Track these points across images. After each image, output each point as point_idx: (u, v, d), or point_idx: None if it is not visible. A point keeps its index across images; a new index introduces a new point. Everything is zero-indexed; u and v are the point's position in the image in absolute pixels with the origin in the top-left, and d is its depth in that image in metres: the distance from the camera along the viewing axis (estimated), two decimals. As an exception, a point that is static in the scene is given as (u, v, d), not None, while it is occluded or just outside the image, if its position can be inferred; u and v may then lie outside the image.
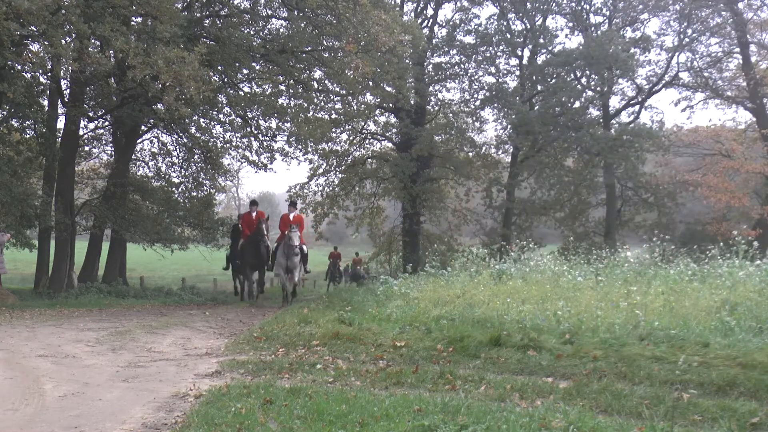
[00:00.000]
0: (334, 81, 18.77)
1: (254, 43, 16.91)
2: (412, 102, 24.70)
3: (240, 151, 20.51)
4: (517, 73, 26.82)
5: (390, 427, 3.95)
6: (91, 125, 19.52)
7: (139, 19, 15.11)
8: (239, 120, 19.21)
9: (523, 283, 9.96)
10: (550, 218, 27.13)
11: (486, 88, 26.58)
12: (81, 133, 18.12)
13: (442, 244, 25.27)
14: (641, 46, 25.03)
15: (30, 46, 13.28)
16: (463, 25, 26.35)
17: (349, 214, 28.62)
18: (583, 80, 25.92)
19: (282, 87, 18.75)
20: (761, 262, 9.14)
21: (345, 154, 27.24)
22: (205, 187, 20.95)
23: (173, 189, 20.55)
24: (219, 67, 16.65)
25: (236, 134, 20.08)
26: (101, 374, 5.76)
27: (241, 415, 4.24)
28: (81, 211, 18.80)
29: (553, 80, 24.90)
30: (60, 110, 16.85)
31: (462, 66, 26.60)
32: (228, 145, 20.63)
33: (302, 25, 16.83)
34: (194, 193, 20.67)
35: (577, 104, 25.14)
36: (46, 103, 16.54)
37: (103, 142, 20.66)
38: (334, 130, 23.79)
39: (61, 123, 17.00)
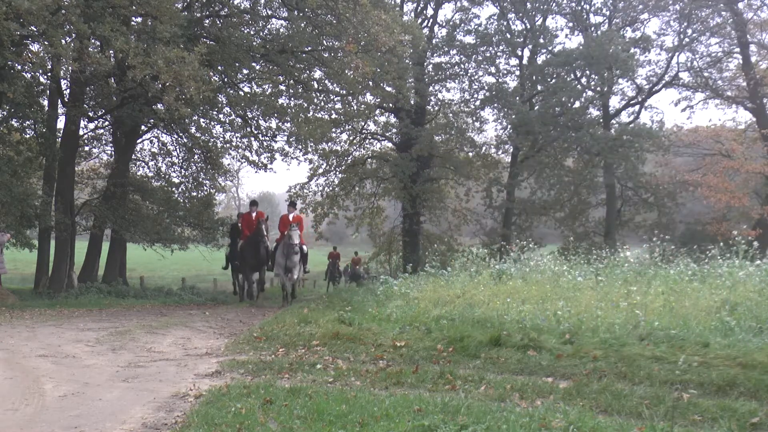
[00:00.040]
0: (334, 81, 18.77)
1: (254, 43, 16.91)
2: (412, 102, 24.69)
3: (240, 151, 20.54)
4: (517, 73, 26.83)
5: (390, 427, 3.95)
6: (91, 125, 19.55)
7: (139, 19, 15.11)
8: (239, 120, 19.21)
9: (523, 283, 9.96)
10: (550, 218, 27.12)
11: (486, 88, 26.58)
12: (81, 133, 18.13)
13: (442, 244, 25.26)
14: (641, 46, 25.03)
15: (30, 46, 13.29)
16: (463, 25, 26.37)
17: (349, 214, 28.61)
18: (583, 80, 25.92)
19: (282, 87, 18.75)
20: (761, 262, 9.14)
21: (345, 154, 27.24)
22: (205, 187, 20.96)
23: (173, 189, 20.55)
24: (219, 67, 16.64)
25: (236, 134, 20.10)
26: (101, 374, 5.76)
27: (241, 415, 4.24)
28: (81, 211, 18.80)
29: (553, 80, 24.90)
30: (60, 110, 16.85)
31: (462, 66, 26.60)
32: (228, 145, 20.65)
33: (302, 25, 16.83)
34: (194, 193, 20.67)
35: (577, 104, 25.13)
36: (46, 103, 16.55)
37: (103, 142, 20.68)
38: (334, 130, 23.78)
39: (61, 123, 17.04)
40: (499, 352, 6.17)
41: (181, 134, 20.31)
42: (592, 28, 25.79)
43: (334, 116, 22.26)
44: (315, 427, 4.01)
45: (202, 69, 12.62)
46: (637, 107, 26.85)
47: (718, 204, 23.62)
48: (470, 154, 27.48)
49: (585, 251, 13.40)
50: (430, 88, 26.72)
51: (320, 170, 26.87)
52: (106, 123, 19.53)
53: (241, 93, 18.44)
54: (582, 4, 25.98)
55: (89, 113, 17.89)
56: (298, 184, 27.11)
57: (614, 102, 26.71)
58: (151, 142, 21.06)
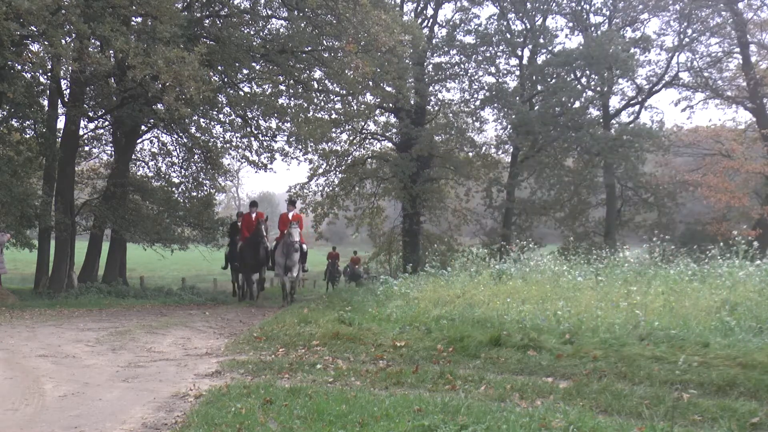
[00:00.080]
0: (334, 81, 18.76)
1: (254, 43, 16.90)
2: (412, 102, 24.69)
3: (240, 151, 20.52)
4: (517, 73, 26.82)
5: (390, 427, 3.95)
6: (91, 125, 19.53)
7: (139, 19, 15.10)
8: (239, 120, 19.20)
9: (523, 283, 9.96)
10: (550, 218, 27.12)
11: (486, 88, 26.57)
12: (81, 133, 18.11)
13: (442, 244, 25.26)
14: (641, 46, 25.02)
15: (30, 46, 13.28)
16: (463, 25, 26.35)
17: (349, 214, 28.61)
18: (583, 80, 25.91)
19: (282, 87, 18.74)
20: (761, 262, 9.14)
21: (345, 154, 27.24)
22: (205, 187, 20.95)
23: (173, 189, 20.54)
24: (219, 67, 16.63)
25: (236, 134, 20.08)
26: (101, 374, 5.77)
27: (241, 415, 4.24)
28: (81, 211, 18.80)
29: (553, 80, 24.89)
30: (60, 110, 16.84)
31: (462, 66, 26.59)
32: (228, 145, 20.63)
33: (302, 25, 16.82)
34: (194, 193, 20.66)
35: (577, 104, 25.12)
36: (46, 103, 16.53)
37: (103, 142, 20.66)
38: (334, 130, 23.77)
39: (61, 123, 17.02)
40: (499, 352, 6.17)
41: (181, 134, 20.30)
42: (592, 28, 25.78)
43: (334, 116, 22.25)
44: (315, 427, 4.01)
45: (202, 69, 12.62)
46: (637, 107, 26.88)
47: (718, 204, 23.62)
48: (470, 154, 27.47)
49: (585, 251, 13.40)
50: (430, 88, 26.72)
51: (320, 170, 26.88)
52: (106, 123, 19.52)
53: (241, 93, 18.43)
54: (582, 4, 25.98)
55: (89, 113, 17.88)
56: (298, 184, 27.13)
57: (614, 102, 26.76)
58: (151, 142, 21.09)
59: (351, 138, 27.25)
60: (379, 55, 17.41)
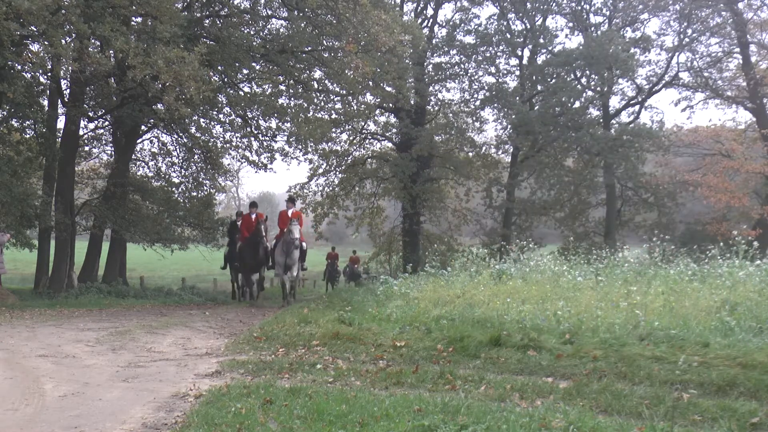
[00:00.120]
0: (334, 81, 18.76)
1: (254, 43, 16.90)
2: (412, 102, 24.70)
3: (240, 151, 20.53)
4: (517, 73, 26.83)
5: (390, 427, 3.95)
6: (91, 125, 19.53)
7: (139, 19, 15.10)
8: (239, 120, 19.20)
9: (523, 283, 9.96)
10: (550, 218, 27.13)
11: (486, 88, 26.58)
12: (81, 133, 18.12)
13: (442, 244, 25.28)
14: (641, 46, 25.02)
15: (30, 46, 13.28)
16: (463, 25, 26.37)
17: (349, 214, 28.62)
18: (583, 80, 25.92)
19: (282, 87, 18.74)
20: (761, 262, 9.14)
21: (345, 154, 27.25)
22: (205, 187, 20.96)
23: (173, 189, 20.54)
24: (219, 67, 16.63)
25: (236, 134, 20.08)
26: (101, 374, 5.77)
27: (241, 415, 4.24)
28: (81, 211, 18.80)
29: (553, 80, 24.89)
30: (60, 110, 16.84)
31: (462, 66, 26.60)
32: (228, 145, 20.64)
33: (302, 25, 16.82)
34: (194, 193, 20.67)
35: (577, 104, 25.13)
36: (46, 103, 16.53)
37: (103, 142, 20.67)
38: (334, 130, 23.78)
39: (61, 123, 17.02)
40: (499, 352, 6.17)
41: (181, 134, 20.30)
42: (592, 28, 25.79)
43: (334, 116, 22.25)
44: (315, 427, 4.01)
45: (202, 69, 12.61)
46: (637, 107, 26.88)
47: (718, 204, 23.61)
48: (470, 154, 27.48)
49: (585, 251, 13.40)
50: (430, 88, 26.72)
51: (320, 170, 26.90)
52: (106, 123, 19.52)
53: (241, 93, 18.43)
54: (582, 4, 25.99)
55: (89, 113, 17.88)
56: (298, 184, 27.15)
57: (614, 102, 26.76)
58: (151, 142, 21.10)
59: (351, 138, 27.26)
60: (379, 55, 17.41)
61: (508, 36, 26.04)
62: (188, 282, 23.85)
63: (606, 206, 26.47)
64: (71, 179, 17.20)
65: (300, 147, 19.77)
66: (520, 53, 26.54)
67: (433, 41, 26.34)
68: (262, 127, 19.52)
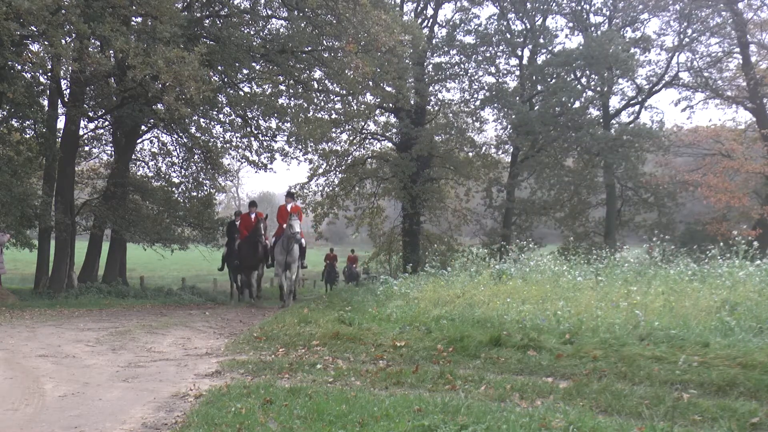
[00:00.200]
0: (334, 81, 18.76)
1: (254, 43, 16.89)
2: (412, 102, 24.70)
3: (240, 151, 20.53)
4: (517, 73, 26.84)
5: (390, 427, 3.95)
6: (91, 125, 19.54)
7: (139, 19, 15.10)
8: (239, 120, 19.20)
9: (523, 283, 9.95)
10: (550, 218, 27.13)
11: (486, 88, 26.59)
12: (81, 133, 18.11)
13: (442, 244, 25.30)
14: (641, 46, 25.03)
15: (30, 46, 13.27)
16: (463, 25, 26.36)
17: (349, 214, 28.63)
18: (583, 80, 25.92)
19: (282, 87, 18.75)
20: (761, 262, 9.13)
21: (345, 154, 27.26)
22: (205, 187, 20.96)
23: (173, 189, 20.55)
24: (219, 67, 16.63)
25: (236, 134, 20.08)
26: (101, 374, 5.76)
27: (241, 415, 4.24)
28: (81, 211, 18.80)
29: (553, 80, 24.90)
30: (60, 110, 16.84)
31: (462, 66, 26.60)
32: (228, 145, 20.64)
33: (302, 25, 16.82)
34: (194, 193, 20.67)
35: (577, 104, 25.13)
36: (46, 103, 16.53)
37: (103, 142, 20.68)
38: (334, 130, 23.79)
39: (61, 123, 17.02)
40: (499, 352, 6.16)
41: (181, 134, 20.31)
42: (592, 28, 25.78)
43: (334, 116, 22.26)
44: (315, 427, 4.01)
45: (202, 69, 12.61)
46: (637, 107, 26.87)
47: (718, 204, 23.60)
48: (470, 154, 27.49)
49: (585, 251, 13.40)
50: (430, 88, 26.73)
51: (320, 170, 26.91)
52: (106, 123, 19.53)
53: (241, 93, 18.43)
54: (582, 4, 25.99)
55: (89, 113, 17.88)
56: (298, 184, 27.18)
57: (614, 102, 26.75)
58: (151, 142, 21.10)
59: (351, 138, 27.27)
60: (379, 55, 17.41)
61: (508, 36, 26.05)
62: (188, 282, 23.87)
63: (606, 206, 26.47)
64: (71, 179, 17.20)
65: (300, 147, 19.78)
66: (520, 53, 26.56)
67: (433, 41, 26.34)
68: (262, 127, 19.53)
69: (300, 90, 18.76)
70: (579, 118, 24.61)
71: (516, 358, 5.96)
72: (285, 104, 18.71)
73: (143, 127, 19.31)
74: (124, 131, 18.56)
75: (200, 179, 20.87)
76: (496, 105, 25.82)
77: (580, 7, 26.04)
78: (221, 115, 19.71)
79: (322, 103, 20.73)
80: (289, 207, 13.55)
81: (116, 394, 5.03)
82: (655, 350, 5.72)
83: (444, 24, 27.31)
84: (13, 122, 15.59)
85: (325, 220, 27.67)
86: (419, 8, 27.24)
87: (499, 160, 28.52)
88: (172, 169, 21.06)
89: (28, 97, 13.83)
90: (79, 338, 7.95)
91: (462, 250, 19.73)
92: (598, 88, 25.39)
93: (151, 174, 21.17)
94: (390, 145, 28.38)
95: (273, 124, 19.18)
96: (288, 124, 18.64)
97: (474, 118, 27.23)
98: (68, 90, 16.67)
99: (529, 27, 26.01)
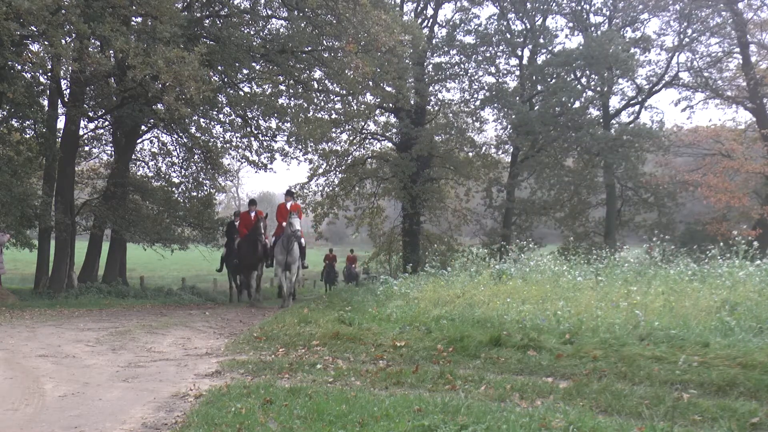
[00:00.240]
0: (334, 81, 18.76)
1: (254, 43, 16.90)
2: (412, 102, 24.70)
3: (240, 151, 20.54)
4: (517, 73, 26.83)
5: (390, 427, 3.95)
6: (91, 125, 19.54)
7: (139, 19, 15.11)
8: (239, 120, 19.21)
9: (523, 283, 9.95)
10: (550, 218, 27.13)
11: (486, 88, 26.59)
12: (81, 133, 18.12)
13: (442, 244, 25.30)
14: (641, 46, 25.03)
15: (30, 46, 13.28)
16: (463, 25, 26.36)
17: (349, 214, 28.63)
18: (583, 80, 25.92)
19: (282, 87, 18.75)
20: (761, 262, 9.13)
21: (345, 154, 27.26)
22: (205, 187, 20.96)
23: (173, 189, 20.55)
24: (219, 67, 16.63)
25: (236, 134, 20.09)
26: (101, 374, 5.76)
27: (241, 415, 4.24)
28: (81, 211, 18.81)
29: (553, 80, 24.90)
30: (60, 110, 16.85)
31: (462, 66, 26.60)
32: (228, 145, 20.64)
33: (302, 25, 16.82)
34: (194, 193, 20.67)
35: (577, 104, 25.13)
36: (46, 103, 16.53)
37: (103, 142, 20.68)
38: (334, 130, 23.79)
39: (61, 123, 17.02)
40: (499, 352, 6.16)
41: (181, 134, 20.31)
42: (592, 28, 25.78)
43: (334, 116, 22.26)
44: (315, 427, 4.01)
45: (202, 69, 12.61)
46: (637, 107, 26.86)
47: (718, 204, 23.59)
48: (470, 154, 27.49)
49: (585, 251, 13.40)
50: (430, 88, 26.73)
51: (320, 170, 26.91)
52: (106, 123, 19.53)
53: (241, 93, 18.43)
54: (582, 4, 25.99)
55: (89, 113, 17.88)
56: (298, 184, 27.16)
57: (614, 102, 26.75)
58: (151, 142, 21.10)
59: (351, 138, 27.27)
60: (379, 55, 17.41)
61: (508, 36, 26.05)
62: (188, 282, 23.87)
63: (606, 206, 26.47)
64: (71, 179, 17.20)
65: (300, 147, 19.78)
66: (520, 53, 26.56)
67: (433, 41, 26.34)
68: (262, 127, 19.54)
69: (300, 90, 18.76)
70: (579, 118, 24.60)
71: (516, 358, 5.96)
72: (285, 104, 18.72)
73: (143, 127, 19.31)
74: (124, 131, 18.57)
75: (200, 179, 20.88)
76: (496, 105, 25.82)
77: (580, 7, 26.04)
78: (221, 115, 19.73)
79: (322, 103, 20.75)
80: (288, 205, 13.52)
81: (116, 394, 5.03)
82: (655, 350, 5.72)
83: (444, 24, 27.34)
84: (13, 122, 15.59)
85: (325, 220, 27.67)
86: (419, 8, 27.25)
87: (499, 160, 28.53)
88: (172, 169, 21.10)
89: (28, 97, 13.84)
90: (79, 338, 7.95)
91: (462, 250, 19.74)
92: (598, 88, 25.39)
93: (151, 174, 21.20)
94: (390, 145, 28.39)
95: (273, 124, 19.20)
96: (288, 124, 18.65)
97: (474, 118, 27.26)
98: (68, 90, 16.68)
99: (529, 27, 26.01)
